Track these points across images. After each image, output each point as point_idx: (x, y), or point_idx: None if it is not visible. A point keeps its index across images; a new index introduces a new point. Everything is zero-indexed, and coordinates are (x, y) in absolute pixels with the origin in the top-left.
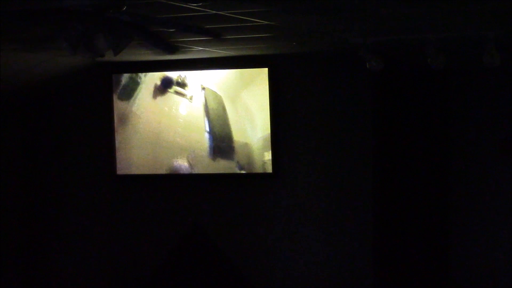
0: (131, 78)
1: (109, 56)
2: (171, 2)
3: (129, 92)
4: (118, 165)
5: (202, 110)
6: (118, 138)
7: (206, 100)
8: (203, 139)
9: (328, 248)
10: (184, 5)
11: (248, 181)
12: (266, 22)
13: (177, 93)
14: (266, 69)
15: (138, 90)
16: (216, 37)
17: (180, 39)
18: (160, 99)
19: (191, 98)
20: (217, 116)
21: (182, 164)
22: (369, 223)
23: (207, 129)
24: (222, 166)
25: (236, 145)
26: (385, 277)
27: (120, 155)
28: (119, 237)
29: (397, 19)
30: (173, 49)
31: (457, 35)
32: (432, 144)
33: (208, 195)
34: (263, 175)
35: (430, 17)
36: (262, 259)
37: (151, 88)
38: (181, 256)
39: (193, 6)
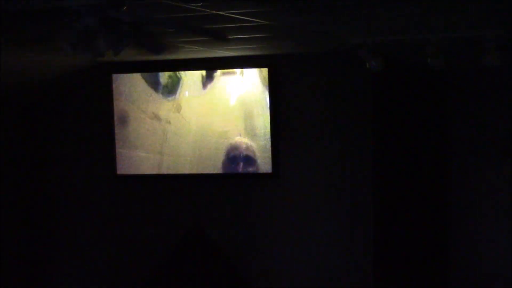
0: (170, 76)
1: (109, 56)
2: (171, 2)
3: (172, 88)
4: (118, 165)
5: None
6: (118, 137)
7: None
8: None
9: (328, 248)
10: (184, 5)
11: (248, 181)
12: (266, 22)
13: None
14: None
15: (181, 85)
16: (220, 39)
17: (180, 39)
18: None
19: (241, 73)
20: None
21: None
22: (369, 222)
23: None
24: None
25: None
26: (385, 277)
27: (120, 154)
28: (119, 237)
29: (397, 19)
30: (161, 50)
31: (457, 35)
32: (432, 144)
33: (208, 195)
34: (263, 175)
35: (430, 17)
36: (262, 259)
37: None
38: (181, 256)
39: (193, 6)
